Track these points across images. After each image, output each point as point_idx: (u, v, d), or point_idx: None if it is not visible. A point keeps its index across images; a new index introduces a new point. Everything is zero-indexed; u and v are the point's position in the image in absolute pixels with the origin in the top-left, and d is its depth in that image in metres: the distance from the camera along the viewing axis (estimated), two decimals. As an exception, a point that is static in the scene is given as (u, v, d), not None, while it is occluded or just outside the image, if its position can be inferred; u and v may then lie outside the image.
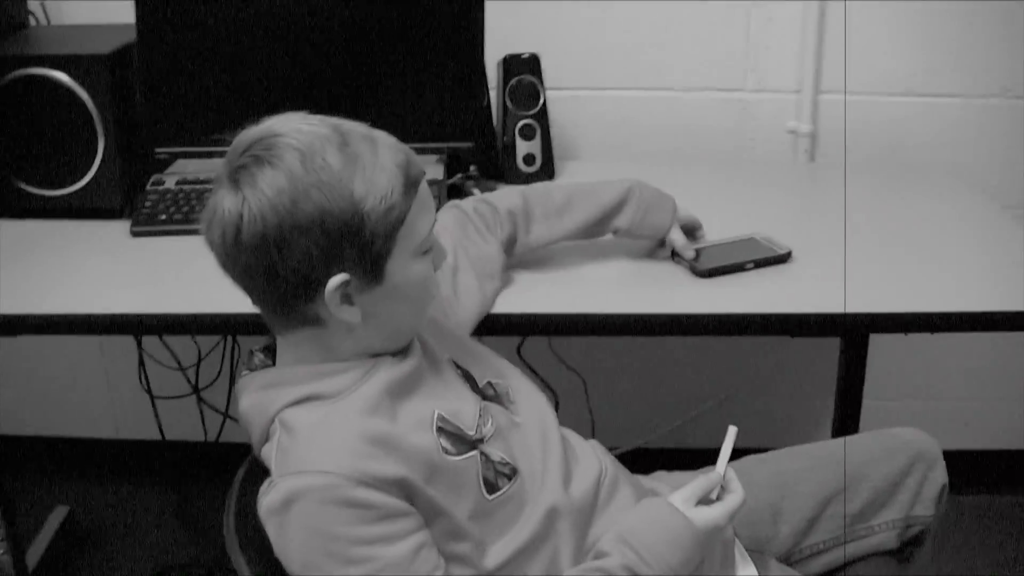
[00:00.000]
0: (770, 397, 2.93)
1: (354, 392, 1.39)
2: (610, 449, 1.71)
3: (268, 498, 1.32)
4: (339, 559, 1.29)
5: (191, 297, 1.86)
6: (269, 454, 1.39)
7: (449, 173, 2.32)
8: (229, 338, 2.74)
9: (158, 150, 2.26)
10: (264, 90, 2.23)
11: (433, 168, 2.27)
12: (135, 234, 2.12)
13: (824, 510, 1.78)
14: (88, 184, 2.17)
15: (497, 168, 2.38)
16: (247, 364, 1.52)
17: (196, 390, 2.81)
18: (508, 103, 2.36)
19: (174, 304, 1.86)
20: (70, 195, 2.17)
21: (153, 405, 2.82)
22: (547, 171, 2.38)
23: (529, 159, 2.36)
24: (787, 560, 1.77)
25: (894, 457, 1.81)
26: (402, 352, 1.47)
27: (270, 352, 1.52)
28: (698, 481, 1.50)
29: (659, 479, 1.77)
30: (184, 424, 2.89)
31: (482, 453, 1.45)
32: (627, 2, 2.53)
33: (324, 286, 1.34)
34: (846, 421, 2.63)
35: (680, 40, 2.58)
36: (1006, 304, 1.83)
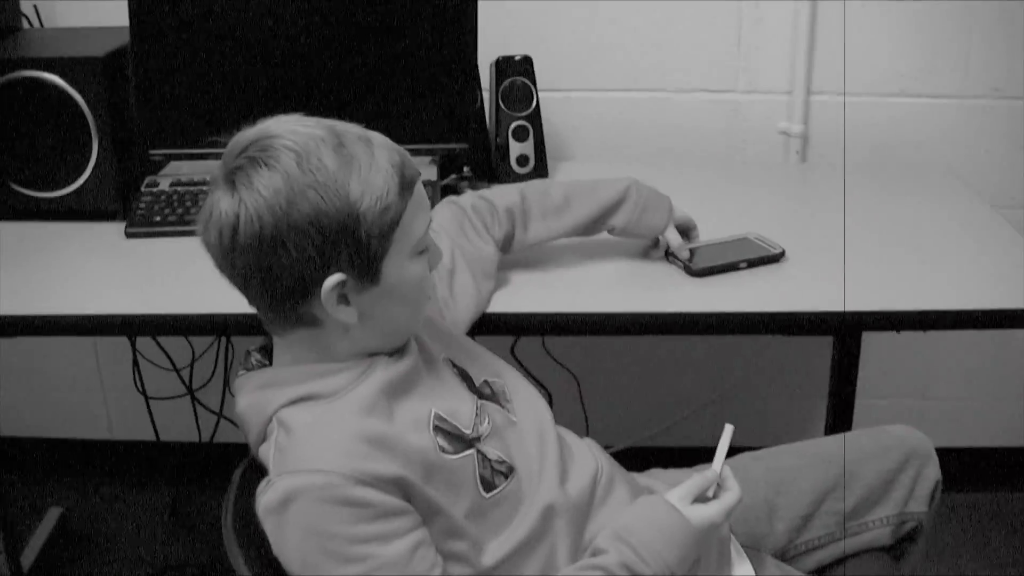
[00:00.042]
0: (763, 396, 2.93)
1: (351, 392, 1.40)
2: (604, 448, 1.71)
3: (266, 497, 1.33)
4: (337, 557, 1.29)
5: (185, 298, 1.86)
6: (267, 453, 1.40)
7: (442, 174, 2.32)
8: (223, 339, 2.75)
9: (152, 152, 2.26)
10: (258, 92, 2.24)
11: (426, 169, 2.27)
12: (130, 235, 2.12)
13: (819, 507, 1.79)
14: (82, 186, 2.17)
15: (490, 169, 2.39)
16: (244, 364, 1.53)
17: (190, 391, 2.81)
18: (501, 104, 2.36)
19: (168, 305, 1.86)
20: (65, 197, 2.17)
21: (147, 406, 2.82)
22: (540, 172, 2.38)
23: (522, 160, 2.37)
24: (782, 556, 1.78)
25: (888, 454, 1.82)
26: (398, 352, 1.48)
27: (267, 352, 1.52)
28: (694, 479, 1.51)
29: (655, 477, 1.78)
30: (178, 425, 2.90)
31: (479, 452, 1.45)
32: (619, 3, 2.54)
33: (320, 286, 1.35)
34: (839, 420, 2.64)
35: (672, 41, 2.58)
36: (998, 302, 1.85)
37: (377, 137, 1.40)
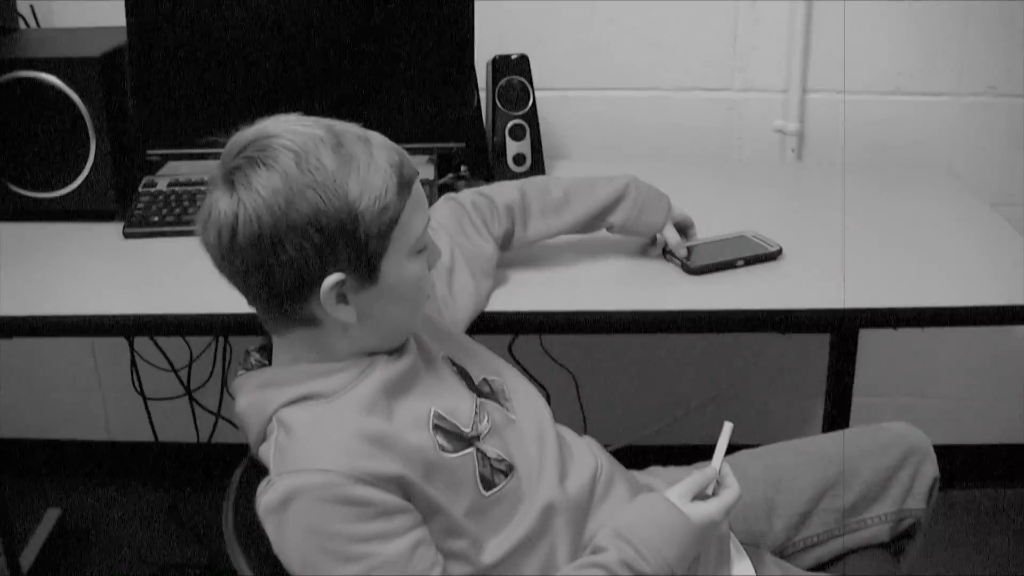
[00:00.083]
0: (761, 394, 2.94)
1: (350, 391, 1.40)
2: (603, 446, 1.72)
3: (266, 496, 1.33)
4: (337, 556, 1.29)
5: (183, 298, 1.86)
6: (267, 453, 1.40)
7: (440, 173, 2.32)
8: (221, 339, 2.75)
9: (149, 152, 2.27)
10: (255, 92, 2.24)
11: (424, 168, 2.28)
12: (128, 236, 2.12)
13: (817, 504, 1.80)
14: (80, 186, 2.17)
15: (487, 168, 2.39)
16: (243, 364, 1.53)
17: (188, 391, 2.81)
18: (498, 103, 2.36)
19: (166, 305, 1.86)
20: (62, 197, 2.17)
21: (146, 406, 2.82)
22: (537, 171, 2.38)
23: (519, 159, 2.37)
24: (781, 554, 1.79)
25: (886, 451, 1.83)
26: (397, 351, 1.48)
27: (266, 352, 1.52)
28: (694, 476, 1.51)
29: (654, 475, 1.78)
30: (176, 425, 2.89)
31: (478, 450, 1.46)
32: (615, 3, 2.54)
33: (319, 286, 1.35)
34: (836, 417, 2.64)
35: (668, 40, 2.59)
36: (995, 299, 1.85)
37: (376, 137, 1.41)
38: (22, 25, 2.50)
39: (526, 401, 1.62)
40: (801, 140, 2.64)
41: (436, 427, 1.43)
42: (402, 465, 1.34)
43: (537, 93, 2.38)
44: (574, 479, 1.56)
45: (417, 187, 1.42)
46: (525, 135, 2.37)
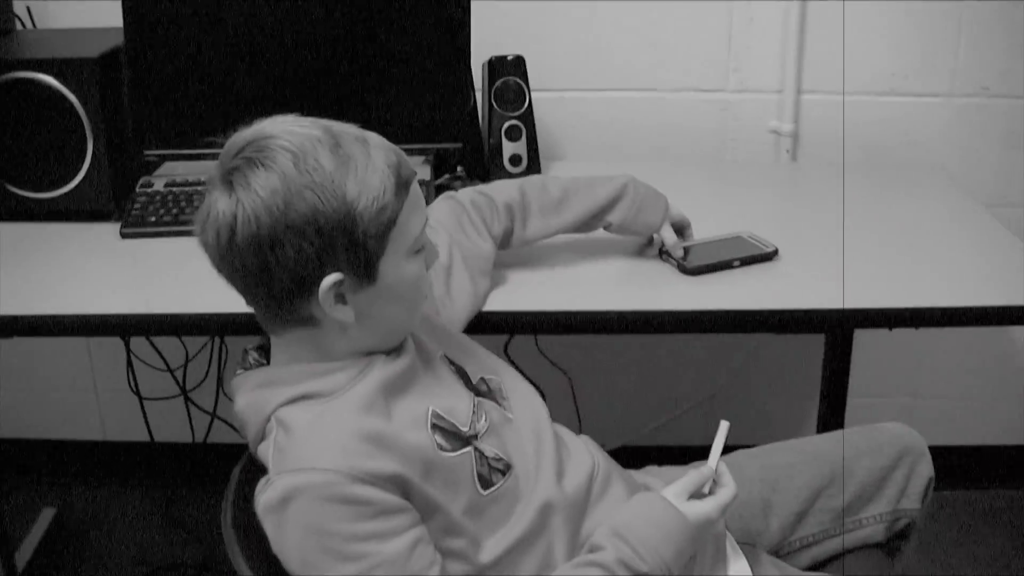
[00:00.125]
0: (757, 394, 2.94)
1: (349, 391, 1.41)
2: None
3: (265, 495, 1.33)
4: (336, 555, 1.30)
5: (180, 298, 1.86)
6: (266, 452, 1.40)
7: (436, 174, 2.33)
8: (217, 339, 2.75)
9: (146, 152, 2.27)
10: (252, 93, 2.24)
11: (420, 169, 2.28)
12: (124, 236, 2.12)
13: (813, 504, 1.80)
14: (77, 186, 2.17)
15: (483, 169, 2.39)
16: (241, 363, 1.53)
17: (184, 391, 2.81)
18: (494, 104, 2.37)
19: (163, 305, 1.86)
20: (59, 198, 2.18)
21: (141, 406, 2.82)
22: (533, 172, 2.39)
23: (515, 160, 2.38)
24: (777, 553, 1.79)
25: (881, 451, 1.83)
26: (396, 350, 1.48)
27: (264, 351, 1.52)
28: (690, 475, 1.52)
29: (651, 474, 1.79)
30: (172, 425, 2.89)
31: (476, 449, 1.46)
32: (611, 3, 2.55)
33: (318, 286, 1.35)
34: (831, 418, 2.65)
35: (663, 41, 2.59)
36: (989, 299, 1.86)
37: (373, 137, 1.41)
38: (18, 26, 2.50)
39: (523, 400, 1.62)
40: (796, 141, 2.65)
41: (434, 426, 1.43)
42: (401, 464, 1.34)
43: (533, 94, 2.39)
44: (571, 478, 1.56)
45: (415, 187, 1.43)
46: (521, 136, 2.37)
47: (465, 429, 1.47)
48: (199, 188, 2.21)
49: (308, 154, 1.33)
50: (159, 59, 2.21)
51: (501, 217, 1.88)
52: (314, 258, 1.34)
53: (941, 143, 2.64)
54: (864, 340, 2.72)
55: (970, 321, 1.88)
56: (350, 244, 1.35)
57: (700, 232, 2.05)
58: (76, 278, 1.98)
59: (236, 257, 1.35)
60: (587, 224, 1.95)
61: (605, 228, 1.96)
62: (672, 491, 1.50)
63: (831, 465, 1.82)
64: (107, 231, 2.15)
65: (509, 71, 2.37)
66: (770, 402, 2.96)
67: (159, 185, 2.24)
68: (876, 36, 2.56)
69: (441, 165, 2.36)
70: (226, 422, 2.78)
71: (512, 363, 2.43)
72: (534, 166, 2.40)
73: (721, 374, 2.92)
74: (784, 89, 2.61)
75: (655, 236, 1.99)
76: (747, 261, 1.98)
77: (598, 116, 2.65)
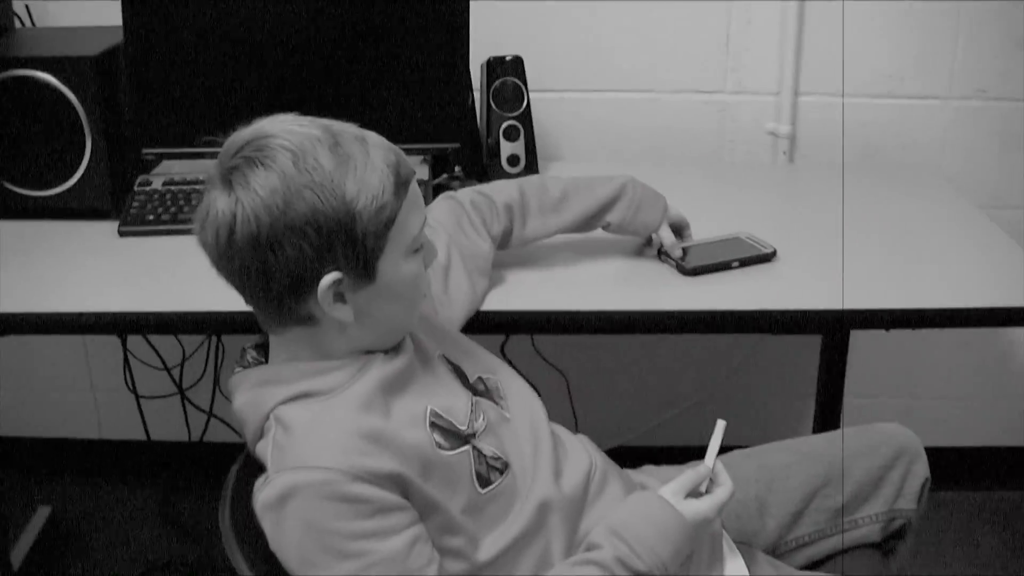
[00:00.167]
0: (753, 394, 2.95)
1: (348, 389, 1.41)
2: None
3: (264, 493, 1.33)
4: (335, 553, 1.30)
5: (178, 297, 1.87)
6: (264, 450, 1.40)
7: (434, 174, 2.33)
8: (213, 338, 2.75)
9: (145, 151, 2.27)
10: (251, 92, 2.24)
11: (418, 168, 2.26)
12: (123, 234, 2.13)
13: (809, 504, 1.81)
14: (75, 185, 2.17)
15: (481, 169, 2.40)
16: (240, 361, 1.53)
17: (181, 390, 2.82)
18: (492, 104, 2.37)
19: (161, 303, 1.86)
20: (58, 196, 2.18)
21: (138, 405, 2.82)
22: (531, 172, 2.39)
23: (513, 160, 2.38)
24: (773, 552, 1.79)
25: (877, 451, 1.84)
26: (394, 349, 1.48)
27: (262, 349, 1.53)
28: (687, 474, 1.52)
29: (647, 473, 1.79)
30: (168, 424, 2.90)
31: (474, 448, 1.46)
32: (609, 4, 2.55)
33: (317, 285, 1.35)
34: (827, 418, 2.66)
35: (661, 42, 2.60)
36: (984, 300, 1.87)
37: (372, 136, 1.41)
38: (17, 25, 2.50)
39: (521, 399, 1.62)
40: (792, 142, 2.65)
41: (433, 425, 1.43)
42: (399, 463, 1.35)
43: (531, 94, 2.39)
44: (569, 477, 1.56)
45: (414, 186, 1.43)
46: (519, 136, 2.38)
47: (463, 428, 1.47)
48: (197, 187, 2.21)
49: (308, 153, 1.33)
50: (158, 58, 2.22)
51: (500, 217, 1.88)
52: (313, 257, 1.34)
53: (938, 145, 2.64)
54: (861, 341, 2.73)
55: (966, 322, 1.89)
56: (349, 243, 1.35)
57: (697, 233, 2.05)
58: (74, 276, 1.98)
59: (235, 256, 1.35)
60: (586, 224, 1.95)
61: (604, 228, 1.97)
62: (669, 490, 1.50)
63: (827, 465, 1.83)
64: (105, 229, 2.15)
65: (507, 71, 2.38)
66: (767, 402, 2.97)
67: (157, 184, 2.24)
68: (874, 38, 2.56)
69: (439, 165, 2.36)
70: (222, 421, 2.78)
71: (509, 363, 2.44)
72: (532, 166, 2.40)
73: (718, 374, 2.92)
74: (781, 91, 2.61)
75: (654, 236, 1.99)
76: (746, 262, 1.98)
77: (596, 117, 2.65)
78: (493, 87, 2.37)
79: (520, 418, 1.58)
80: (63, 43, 2.27)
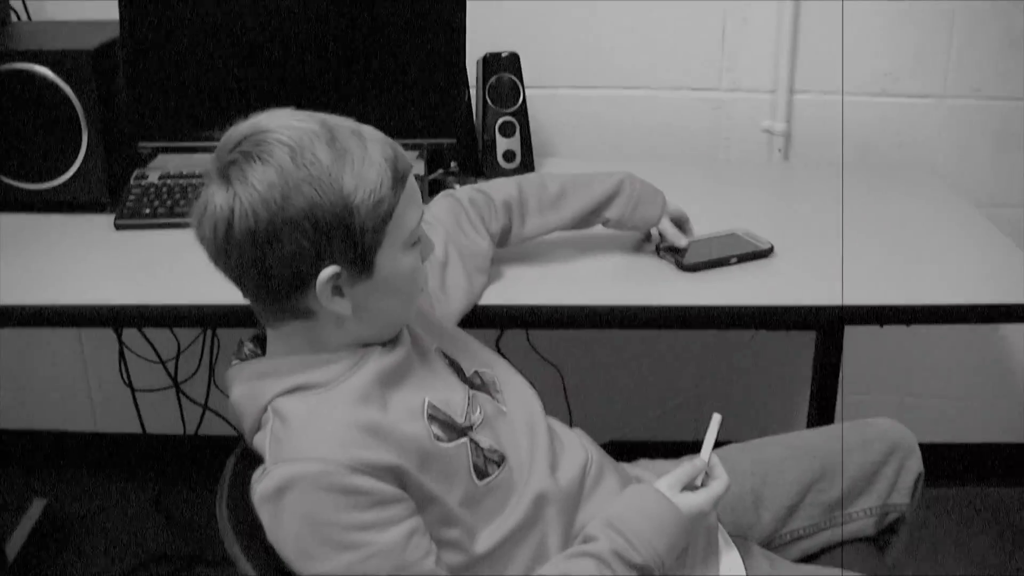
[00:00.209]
0: (749, 389, 2.95)
1: (345, 382, 1.41)
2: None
3: (262, 485, 1.34)
4: (333, 545, 1.30)
5: (174, 290, 1.87)
6: (262, 442, 1.40)
7: (430, 169, 2.34)
8: (208, 331, 2.75)
9: (141, 145, 2.27)
10: (247, 86, 2.25)
11: (414, 164, 2.28)
12: (119, 227, 2.13)
13: (804, 497, 1.82)
14: (72, 178, 2.17)
15: (477, 164, 2.40)
16: (237, 354, 1.53)
17: (176, 383, 2.82)
18: (488, 101, 2.38)
19: (157, 297, 1.86)
20: (54, 189, 2.18)
21: (133, 398, 2.82)
22: (526, 168, 2.40)
23: (509, 156, 2.39)
24: (768, 545, 1.80)
25: (871, 446, 1.85)
26: (391, 342, 1.49)
27: (260, 342, 1.53)
28: (683, 468, 1.53)
29: (643, 467, 1.80)
30: (164, 417, 2.90)
31: (471, 440, 1.47)
32: (605, 2, 2.55)
33: (315, 279, 1.36)
34: (821, 414, 2.66)
35: (657, 40, 2.60)
36: (979, 298, 1.87)
37: (370, 131, 1.42)
38: (14, 18, 2.50)
39: (517, 393, 1.63)
40: (788, 140, 2.66)
41: (430, 417, 1.44)
42: (397, 455, 1.35)
43: (527, 91, 2.39)
44: (565, 470, 1.57)
45: (411, 180, 1.43)
46: (515, 132, 2.38)
47: (460, 420, 1.48)
48: (193, 181, 2.21)
49: (305, 148, 1.34)
50: (155, 52, 2.22)
51: (499, 215, 1.89)
52: (311, 251, 1.34)
53: (933, 144, 2.65)
54: (857, 337, 2.74)
55: (960, 318, 1.91)
56: (347, 237, 1.35)
57: (693, 230, 2.05)
58: (70, 269, 1.98)
59: (233, 251, 1.35)
60: (585, 220, 1.96)
61: (603, 224, 1.97)
62: (665, 483, 1.51)
63: (822, 460, 1.84)
64: (101, 223, 2.15)
65: (503, 68, 2.38)
66: (763, 397, 2.97)
67: (153, 177, 2.25)
68: (868, 37, 2.57)
69: (435, 160, 2.37)
70: (218, 414, 2.78)
71: (504, 358, 2.45)
72: (528, 162, 2.41)
73: (713, 369, 2.93)
74: (777, 89, 2.62)
75: (653, 231, 2.00)
76: (744, 258, 1.99)
77: (592, 113, 2.66)
78: (489, 83, 2.37)
79: (516, 412, 1.59)
80: (60, 37, 2.27)
